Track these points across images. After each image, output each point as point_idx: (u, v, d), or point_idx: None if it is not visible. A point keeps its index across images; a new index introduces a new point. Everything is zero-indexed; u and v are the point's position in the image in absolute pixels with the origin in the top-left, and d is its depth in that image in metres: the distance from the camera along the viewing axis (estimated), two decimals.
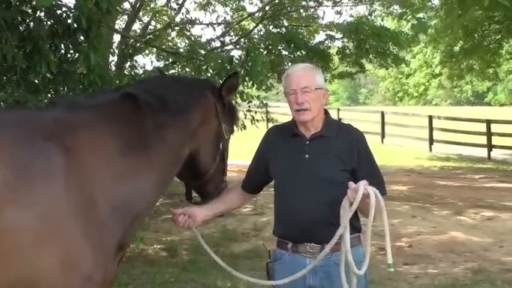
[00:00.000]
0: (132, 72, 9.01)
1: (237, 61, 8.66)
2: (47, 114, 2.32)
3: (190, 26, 12.57)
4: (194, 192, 3.01)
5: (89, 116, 2.33)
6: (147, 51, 12.84)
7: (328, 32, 14.63)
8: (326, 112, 2.84)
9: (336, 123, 2.89)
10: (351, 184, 2.49)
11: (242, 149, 6.61)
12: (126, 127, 2.37)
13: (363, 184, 2.46)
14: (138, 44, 10.39)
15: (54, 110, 2.38)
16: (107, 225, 2.16)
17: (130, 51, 10.03)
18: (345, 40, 14.53)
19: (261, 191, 3.04)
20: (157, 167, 2.42)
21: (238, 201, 3.05)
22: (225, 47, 11.89)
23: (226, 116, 2.85)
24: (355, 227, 2.70)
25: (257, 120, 10.75)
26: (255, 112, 10.77)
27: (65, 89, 5.78)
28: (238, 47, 12.04)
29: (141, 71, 9.44)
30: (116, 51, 9.26)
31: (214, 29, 12.70)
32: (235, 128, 3.02)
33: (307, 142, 2.75)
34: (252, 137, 5.44)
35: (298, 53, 12.63)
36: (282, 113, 23.81)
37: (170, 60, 10.27)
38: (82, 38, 5.23)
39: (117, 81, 7.04)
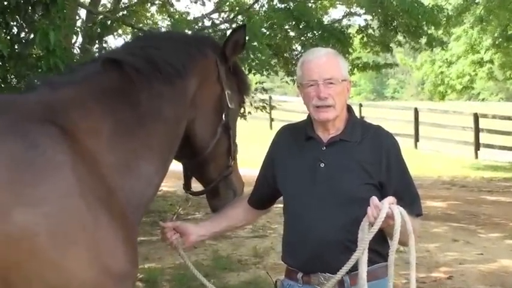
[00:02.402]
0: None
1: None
2: (30, 98, 2.42)
3: None
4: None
5: (74, 94, 2.43)
6: (120, 31, 12.88)
7: (347, 8, 14.68)
8: (349, 109, 2.87)
9: (361, 124, 2.90)
10: (374, 199, 2.50)
11: (250, 156, 6.64)
12: (116, 103, 2.48)
13: (387, 201, 2.48)
14: (109, 22, 10.43)
15: (36, 92, 2.49)
16: (127, 216, 2.34)
17: (99, 30, 10.07)
18: (368, 18, 14.57)
19: (271, 205, 3.08)
20: (157, 148, 2.56)
21: (243, 218, 3.09)
22: (218, 27, 11.93)
23: (232, 81, 2.91)
24: (381, 254, 2.72)
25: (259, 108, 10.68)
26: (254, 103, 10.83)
27: (17, 75, 5.82)
28: (234, 26, 12.08)
29: None
30: (81, 30, 9.31)
31: (203, 4, 12.69)
32: (244, 97, 3.07)
33: (324, 148, 2.78)
34: (261, 141, 5.46)
35: (310, 34, 12.66)
36: (289, 110, 23.88)
37: None
38: (41, 13, 5.26)
39: None
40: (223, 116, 2.83)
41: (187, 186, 3.07)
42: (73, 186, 2.19)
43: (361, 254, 2.52)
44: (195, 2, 12.52)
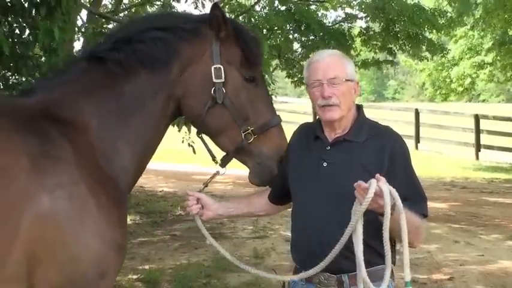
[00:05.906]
0: None
1: None
2: (31, 101, 2.73)
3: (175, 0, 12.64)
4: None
5: (66, 95, 2.75)
6: None
7: (348, 10, 14.70)
8: (359, 109, 2.91)
9: (369, 125, 2.92)
10: (360, 183, 2.50)
11: None
12: (102, 100, 2.77)
13: (375, 181, 2.47)
14: (109, 22, 10.46)
15: (34, 96, 2.77)
16: (119, 200, 2.72)
17: (99, 30, 10.09)
18: (369, 20, 14.57)
19: (287, 202, 3.08)
20: (133, 141, 2.82)
21: (265, 209, 3.16)
22: None
23: (233, 54, 2.92)
24: (383, 255, 2.69)
25: None
26: None
27: (18, 76, 5.82)
28: None
29: None
30: (81, 31, 9.32)
31: (203, 6, 12.68)
32: (253, 67, 2.99)
33: (328, 147, 2.82)
34: None
35: (311, 35, 12.67)
36: (290, 111, 23.89)
37: None
38: (44, 14, 5.22)
39: None
40: (212, 90, 2.87)
41: (213, 157, 3.12)
42: (77, 174, 2.56)
43: (353, 229, 2.54)
44: (195, 8, 12.51)
